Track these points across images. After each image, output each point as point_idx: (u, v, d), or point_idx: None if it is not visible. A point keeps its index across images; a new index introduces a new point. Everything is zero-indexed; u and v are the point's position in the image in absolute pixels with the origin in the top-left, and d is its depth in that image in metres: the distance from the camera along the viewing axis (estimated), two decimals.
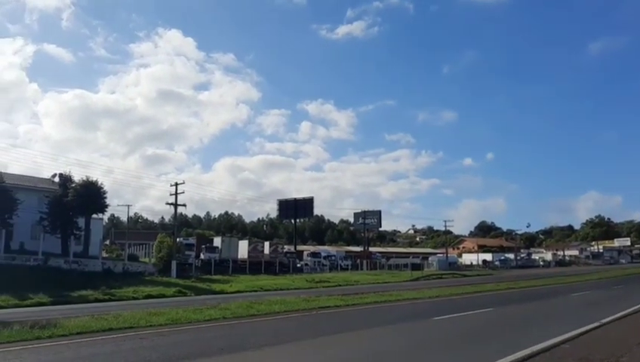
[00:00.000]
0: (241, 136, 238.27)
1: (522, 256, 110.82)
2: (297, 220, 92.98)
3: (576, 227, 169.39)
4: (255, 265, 57.28)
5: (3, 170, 46.09)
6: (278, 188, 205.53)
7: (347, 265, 74.15)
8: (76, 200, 44.63)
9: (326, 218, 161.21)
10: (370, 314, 20.73)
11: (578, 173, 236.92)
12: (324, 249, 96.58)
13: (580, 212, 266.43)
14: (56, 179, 49.35)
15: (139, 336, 14.06)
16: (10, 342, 12.76)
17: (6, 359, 10.90)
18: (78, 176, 47.93)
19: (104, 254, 51.84)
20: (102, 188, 47.08)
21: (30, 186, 48.96)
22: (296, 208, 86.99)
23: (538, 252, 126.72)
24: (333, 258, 77.46)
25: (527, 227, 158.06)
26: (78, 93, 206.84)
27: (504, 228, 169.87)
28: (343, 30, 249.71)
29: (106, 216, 62.89)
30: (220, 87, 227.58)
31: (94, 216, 49.02)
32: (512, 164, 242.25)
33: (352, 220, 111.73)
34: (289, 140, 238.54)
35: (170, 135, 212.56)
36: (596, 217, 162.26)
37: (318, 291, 35.98)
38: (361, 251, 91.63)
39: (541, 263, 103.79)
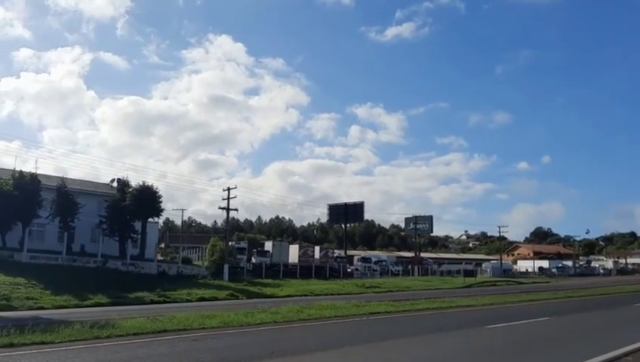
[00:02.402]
0: (291, 141, 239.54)
1: (581, 263, 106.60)
2: (348, 225, 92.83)
3: (639, 233, 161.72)
4: (305, 270, 57.55)
5: (64, 175, 48.40)
6: (327, 192, 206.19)
7: (398, 271, 73.50)
8: (133, 204, 46.17)
9: (376, 223, 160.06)
10: (422, 321, 20.38)
11: None
12: (375, 254, 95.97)
13: None
14: (115, 184, 51.14)
15: (192, 338, 14.33)
16: (71, 340, 13.27)
17: (67, 357, 11.33)
18: (133, 181, 49.76)
19: (159, 257, 53.32)
20: (157, 192, 48.58)
21: (90, 191, 51.02)
22: (346, 213, 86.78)
23: (598, 259, 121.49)
24: (383, 263, 76.93)
25: (587, 233, 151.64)
26: (132, 99, 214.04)
27: (561, 235, 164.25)
28: (392, 32, 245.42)
29: (161, 220, 64.64)
30: (270, 91, 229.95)
31: (150, 219, 50.50)
32: (570, 168, 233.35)
33: (402, 225, 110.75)
34: (338, 144, 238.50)
35: (222, 140, 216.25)
36: None
37: (368, 296, 35.77)
38: (412, 256, 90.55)
39: (601, 271, 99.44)
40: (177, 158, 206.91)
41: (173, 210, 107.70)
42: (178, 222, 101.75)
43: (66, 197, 43.40)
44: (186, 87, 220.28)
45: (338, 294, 38.59)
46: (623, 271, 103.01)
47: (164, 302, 29.99)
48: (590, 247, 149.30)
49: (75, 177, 53.83)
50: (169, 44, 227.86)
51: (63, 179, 45.41)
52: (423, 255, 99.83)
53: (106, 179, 57.24)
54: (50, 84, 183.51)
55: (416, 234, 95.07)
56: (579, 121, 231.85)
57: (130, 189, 48.01)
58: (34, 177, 40.91)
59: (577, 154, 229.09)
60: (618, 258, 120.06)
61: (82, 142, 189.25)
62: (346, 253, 78.09)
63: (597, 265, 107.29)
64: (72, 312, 22.85)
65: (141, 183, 48.63)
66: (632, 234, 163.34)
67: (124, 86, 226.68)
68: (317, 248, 67.58)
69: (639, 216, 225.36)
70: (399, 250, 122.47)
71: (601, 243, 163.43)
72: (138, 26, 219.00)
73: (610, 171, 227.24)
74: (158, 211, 49.59)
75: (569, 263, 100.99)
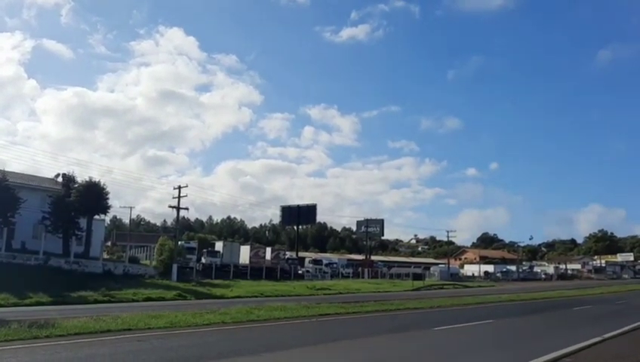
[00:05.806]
0: (243, 140, 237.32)
1: (524, 268, 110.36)
2: (300, 227, 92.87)
3: (579, 240, 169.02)
4: (256, 271, 57.18)
5: (3, 168, 46.12)
6: (279, 193, 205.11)
7: (348, 273, 73.94)
8: (79, 200, 44.63)
9: (328, 225, 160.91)
10: (370, 323, 20.59)
11: (581, 185, 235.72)
12: (326, 256, 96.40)
13: (583, 225, 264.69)
14: (60, 179, 49.37)
15: (137, 339, 13.97)
16: (7, 340, 12.73)
17: (2, 357, 10.84)
18: (78, 176, 48.04)
19: (105, 255, 51.68)
20: (104, 189, 47.02)
21: (34, 185, 48.99)
22: (299, 215, 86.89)
23: (540, 265, 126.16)
24: (334, 265, 77.29)
25: (530, 239, 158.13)
26: (77, 90, 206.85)
27: (506, 240, 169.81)
28: (347, 33, 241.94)
29: (108, 218, 62.76)
30: (222, 88, 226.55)
31: (96, 217, 48.99)
32: (516, 175, 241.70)
33: (354, 228, 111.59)
34: (291, 145, 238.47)
35: (171, 136, 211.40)
36: (599, 231, 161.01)
37: (318, 298, 35.85)
38: (362, 259, 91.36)
39: (543, 276, 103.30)
40: (124, 154, 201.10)
41: (120, 208, 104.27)
42: (126, 220, 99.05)
43: (7, 191, 41.45)
44: (135, 80, 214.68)
45: (288, 295, 38.55)
46: (563, 276, 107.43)
47: (109, 301, 29.17)
48: (533, 253, 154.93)
49: (16, 170, 51.53)
50: (116, 34, 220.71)
51: (3, 172, 43.35)
52: (374, 258, 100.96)
53: (48, 173, 55.28)
54: None
55: (367, 238, 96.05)
56: (524, 129, 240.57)
57: (76, 185, 46.41)
58: None
59: (522, 162, 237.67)
60: (559, 263, 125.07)
61: (22, 133, 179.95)
62: (297, 255, 78.13)
63: (539, 270, 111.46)
64: (10, 311, 21.92)
65: (87, 179, 47.12)
66: (572, 241, 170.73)
67: (68, 76, 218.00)
68: (268, 249, 67.33)
69: (579, 222, 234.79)
70: (350, 253, 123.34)
71: (543, 249, 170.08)
72: (84, 14, 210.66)
73: (553, 179, 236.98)
74: (104, 208, 48.03)
75: (513, 268, 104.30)
